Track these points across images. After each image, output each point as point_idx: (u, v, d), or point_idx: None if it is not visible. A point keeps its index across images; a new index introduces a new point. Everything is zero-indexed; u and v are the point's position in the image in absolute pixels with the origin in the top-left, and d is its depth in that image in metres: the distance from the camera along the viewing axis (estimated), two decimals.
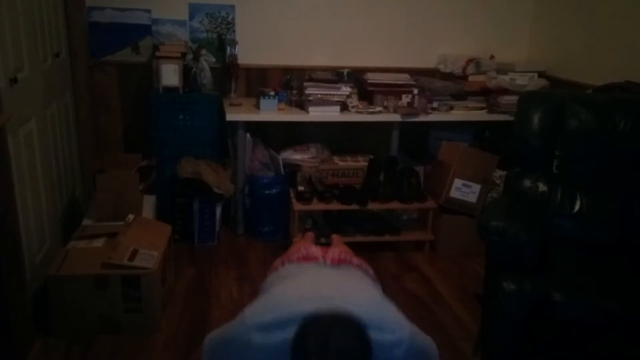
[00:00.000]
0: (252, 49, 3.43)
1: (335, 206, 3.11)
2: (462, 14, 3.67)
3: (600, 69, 3.09)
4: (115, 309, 2.27)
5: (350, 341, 1.17)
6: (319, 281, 1.50)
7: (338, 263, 1.72)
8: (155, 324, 2.33)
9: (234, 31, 3.44)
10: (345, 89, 3.30)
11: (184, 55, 3.10)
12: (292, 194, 3.16)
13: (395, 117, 3.23)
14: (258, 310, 1.31)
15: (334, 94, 3.26)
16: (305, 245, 1.91)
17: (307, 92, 3.22)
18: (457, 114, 3.36)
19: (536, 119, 2.30)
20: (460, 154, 3.13)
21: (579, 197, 2.26)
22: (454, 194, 3.11)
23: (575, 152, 2.27)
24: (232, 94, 3.32)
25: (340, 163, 3.40)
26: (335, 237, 2.79)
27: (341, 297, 1.29)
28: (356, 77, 3.41)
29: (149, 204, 3.00)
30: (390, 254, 3.18)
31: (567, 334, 1.90)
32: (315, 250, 1.77)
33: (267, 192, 3.21)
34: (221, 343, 1.40)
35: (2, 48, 2.03)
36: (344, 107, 3.23)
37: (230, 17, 3.42)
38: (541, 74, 3.51)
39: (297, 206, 3.07)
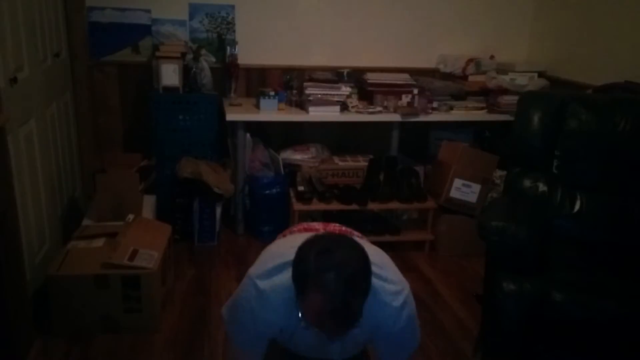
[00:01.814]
0: (252, 49, 3.43)
1: (335, 206, 3.11)
2: (462, 14, 3.67)
3: (600, 69, 3.09)
4: (115, 309, 2.27)
5: (351, 258, 1.21)
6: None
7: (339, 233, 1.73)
8: (155, 324, 2.33)
9: (234, 31, 3.44)
10: (345, 89, 3.30)
11: (184, 55, 3.10)
12: (292, 194, 3.16)
13: (395, 117, 3.23)
14: (258, 264, 1.44)
15: (334, 94, 3.26)
16: (306, 223, 1.92)
17: (307, 92, 3.22)
18: (457, 114, 3.37)
19: (536, 119, 2.30)
20: (460, 154, 3.13)
21: (579, 197, 2.26)
22: (454, 194, 3.11)
23: (575, 152, 2.27)
24: (232, 94, 3.32)
25: (340, 163, 3.40)
26: None
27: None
28: (356, 77, 3.41)
29: (149, 204, 3.00)
30: (390, 254, 3.13)
31: (567, 334, 1.90)
32: (316, 224, 1.79)
33: (267, 192, 3.21)
34: (234, 303, 1.49)
35: (2, 48, 2.03)
36: (344, 107, 3.23)
37: (230, 17, 3.42)
38: (541, 74, 3.51)
39: (297, 206, 3.07)
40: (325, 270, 1.18)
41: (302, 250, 1.24)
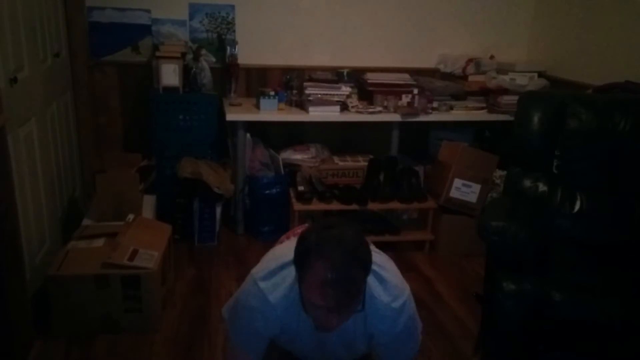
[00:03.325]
0: (252, 49, 3.43)
1: (335, 206, 3.11)
2: (462, 14, 3.67)
3: (600, 69, 3.09)
4: (115, 309, 2.27)
5: (350, 233, 1.24)
6: None
7: None
8: (155, 324, 2.33)
9: (234, 31, 3.44)
10: (345, 89, 3.30)
11: (184, 55, 3.10)
12: (292, 194, 3.16)
13: (395, 117, 3.23)
14: (261, 265, 1.47)
15: (334, 94, 3.26)
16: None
17: (307, 92, 3.22)
18: (457, 114, 3.37)
19: (536, 119, 2.30)
20: (460, 154, 3.13)
21: (579, 197, 2.26)
22: (454, 194, 3.11)
23: (575, 152, 2.27)
24: (232, 94, 3.32)
25: (340, 163, 3.39)
26: None
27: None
28: (356, 77, 3.41)
29: (149, 204, 3.00)
30: (390, 254, 3.11)
31: (567, 334, 1.90)
32: None
33: (267, 192, 3.21)
34: (236, 302, 1.51)
35: (2, 48, 2.03)
36: (344, 107, 3.23)
37: (230, 17, 3.42)
38: (541, 74, 3.51)
39: (297, 206, 3.07)
40: (326, 242, 1.20)
41: (303, 233, 1.27)
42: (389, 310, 1.37)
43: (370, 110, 3.23)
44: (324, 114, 3.16)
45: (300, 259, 1.25)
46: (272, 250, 1.60)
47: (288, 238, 1.78)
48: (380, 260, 1.45)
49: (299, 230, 1.77)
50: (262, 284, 1.38)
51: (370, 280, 1.33)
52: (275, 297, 1.36)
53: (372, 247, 1.51)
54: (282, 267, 1.38)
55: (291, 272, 1.32)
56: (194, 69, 3.10)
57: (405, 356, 1.52)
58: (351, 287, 1.21)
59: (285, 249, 1.47)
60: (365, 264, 1.24)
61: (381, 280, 1.37)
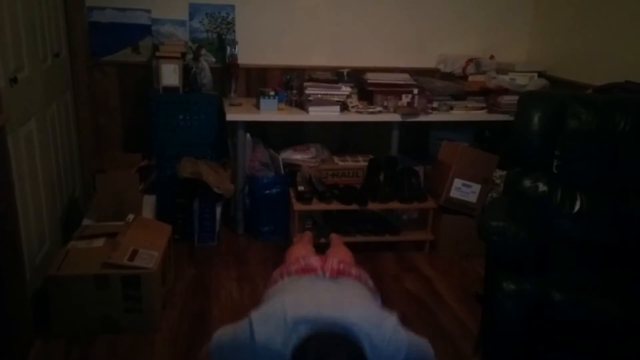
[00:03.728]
0: (252, 49, 3.44)
1: (335, 206, 3.11)
2: (462, 14, 3.67)
3: (600, 69, 3.09)
4: (115, 309, 2.27)
5: (345, 357, 1.21)
6: (318, 295, 1.54)
7: (337, 275, 1.72)
8: (155, 324, 2.33)
9: (234, 31, 3.44)
10: (345, 89, 3.31)
11: (184, 55, 3.10)
12: (292, 194, 3.15)
13: (395, 117, 3.23)
14: (261, 317, 1.40)
15: (334, 94, 3.26)
16: (304, 254, 1.92)
17: (307, 92, 3.22)
18: (457, 114, 3.37)
19: (536, 119, 2.30)
20: (460, 154, 3.13)
21: (579, 197, 2.26)
22: (454, 194, 3.11)
23: (575, 152, 2.27)
24: (232, 94, 3.32)
25: (340, 163, 3.39)
26: (333, 237, 2.80)
27: (340, 312, 1.33)
28: (356, 77, 3.41)
29: (149, 204, 3.00)
30: (390, 254, 3.18)
31: (567, 334, 1.90)
32: (314, 261, 1.78)
33: (267, 192, 3.21)
34: (227, 344, 1.48)
35: (2, 48, 2.03)
36: (344, 107, 3.23)
37: (230, 17, 3.42)
38: (541, 74, 3.51)
39: (297, 206, 3.07)
40: None
41: (298, 353, 1.24)
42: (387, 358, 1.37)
43: (370, 110, 3.23)
44: (324, 114, 3.16)
45: None
46: (271, 297, 1.57)
47: (282, 277, 1.77)
48: (374, 316, 1.42)
49: (293, 268, 1.76)
50: (257, 337, 1.36)
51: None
52: (265, 355, 1.35)
53: (363, 300, 1.53)
54: (280, 333, 1.34)
55: (288, 343, 1.30)
56: (194, 69, 3.10)
57: None
58: None
59: (284, 307, 1.41)
60: None
61: (378, 341, 1.36)
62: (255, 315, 1.40)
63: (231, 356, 1.45)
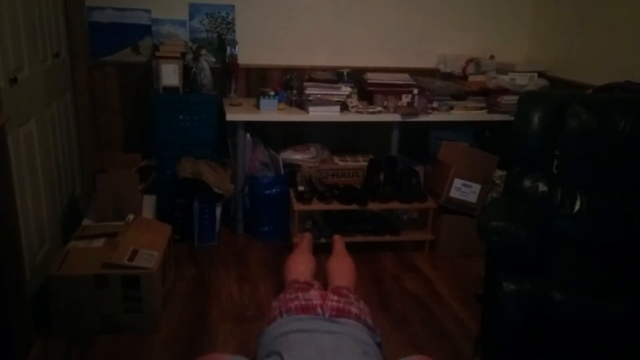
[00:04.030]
0: (252, 49, 3.44)
1: (335, 206, 3.11)
2: (462, 14, 3.67)
3: (600, 69, 3.09)
4: (115, 309, 2.27)
5: None
6: (316, 356, 1.52)
7: (336, 315, 1.71)
8: (155, 324, 2.33)
9: (234, 31, 3.44)
10: (345, 89, 3.30)
11: (184, 55, 3.10)
12: (292, 194, 3.15)
13: (395, 117, 3.23)
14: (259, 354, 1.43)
15: (334, 94, 3.26)
16: (302, 291, 1.89)
17: (307, 92, 3.22)
18: (457, 114, 3.37)
19: (536, 119, 2.30)
20: (460, 154, 3.13)
21: (579, 197, 2.26)
22: (454, 194, 3.11)
23: (575, 152, 2.27)
24: (232, 94, 3.32)
25: (340, 163, 3.39)
26: (336, 239, 2.80)
27: None
28: (356, 77, 3.41)
29: (149, 204, 3.00)
30: (390, 254, 3.18)
31: (567, 334, 1.90)
32: (314, 297, 1.77)
33: (267, 192, 3.21)
34: None
35: (2, 48, 2.03)
36: (344, 107, 3.23)
37: (230, 17, 3.42)
38: (541, 74, 3.51)
39: (297, 206, 3.07)
40: None
41: None
42: None
43: (370, 110, 3.23)
44: (324, 114, 3.16)
45: None
46: (268, 339, 1.60)
47: (281, 315, 1.77)
48: None
49: (292, 305, 1.75)
50: None
51: None
52: None
53: (364, 348, 1.54)
54: None
55: None
56: (194, 69, 3.10)
57: None
58: None
59: (283, 348, 1.44)
60: None
61: None
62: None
63: None
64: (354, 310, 1.76)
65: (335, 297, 1.78)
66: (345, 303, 1.77)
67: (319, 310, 1.72)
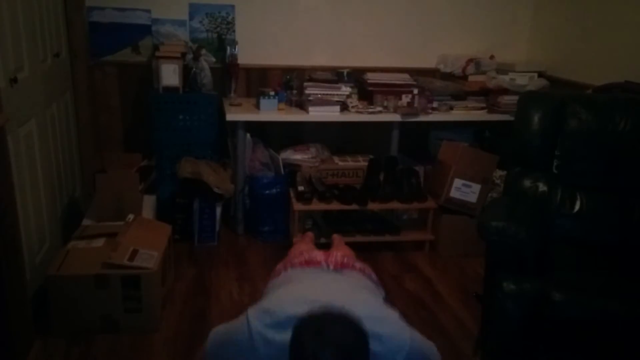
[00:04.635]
0: (252, 49, 3.43)
1: (335, 206, 3.11)
2: (462, 14, 3.67)
3: (600, 69, 3.09)
4: (115, 309, 2.27)
5: (347, 335, 1.20)
6: (319, 287, 1.53)
7: (340, 267, 1.72)
8: (155, 324, 2.33)
9: (234, 31, 3.44)
10: (345, 89, 3.30)
11: (184, 55, 3.10)
12: (292, 194, 3.16)
13: (395, 117, 3.23)
14: (259, 313, 1.38)
15: (334, 94, 3.26)
16: (307, 249, 1.91)
17: (307, 92, 3.22)
18: (457, 114, 3.36)
19: (536, 119, 2.30)
20: (460, 154, 3.13)
21: (579, 197, 2.26)
22: (454, 194, 3.11)
23: (575, 152, 2.27)
24: (232, 94, 3.32)
25: (340, 163, 3.39)
26: (335, 237, 2.80)
27: (340, 302, 1.31)
28: (356, 77, 3.41)
29: (149, 204, 3.00)
30: (390, 254, 3.18)
31: (567, 334, 1.90)
32: (318, 254, 1.77)
33: (267, 192, 3.21)
34: (224, 342, 1.45)
35: (2, 48, 2.03)
36: (344, 107, 3.23)
37: (230, 17, 3.42)
38: (541, 74, 3.51)
39: (297, 206, 3.07)
40: (321, 353, 1.17)
41: (298, 332, 1.23)
42: (389, 352, 1.35)
43: (370, 110, 3.23)
44: (324, 114, 3.16)
45: None
46: (271, 291, 1.55)
47: (285, 269, 1.76)
48: (380, 313, 1.41)
49: (296, 260, 1.75)
50: (255, 334, 1.34)
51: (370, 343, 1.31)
52: (265, 351, 1.33)
53: (367, 296, 1.51)
54: (280, 326, 1.32)
55: (286, 335, 1.27)
56: (194, 69, 3.10)
57: None
58: None
59: (284, 296, 1.42)
60: None
61: (379, 337, 1.35)
62: (253, 311, 1.39)
63: (228, 353, 1.42)
64: (357, 265, 1.77)
65: (339, 254, 1.79)
66: (349, 258, 1.77)
67: (323, 264, 1.72)
